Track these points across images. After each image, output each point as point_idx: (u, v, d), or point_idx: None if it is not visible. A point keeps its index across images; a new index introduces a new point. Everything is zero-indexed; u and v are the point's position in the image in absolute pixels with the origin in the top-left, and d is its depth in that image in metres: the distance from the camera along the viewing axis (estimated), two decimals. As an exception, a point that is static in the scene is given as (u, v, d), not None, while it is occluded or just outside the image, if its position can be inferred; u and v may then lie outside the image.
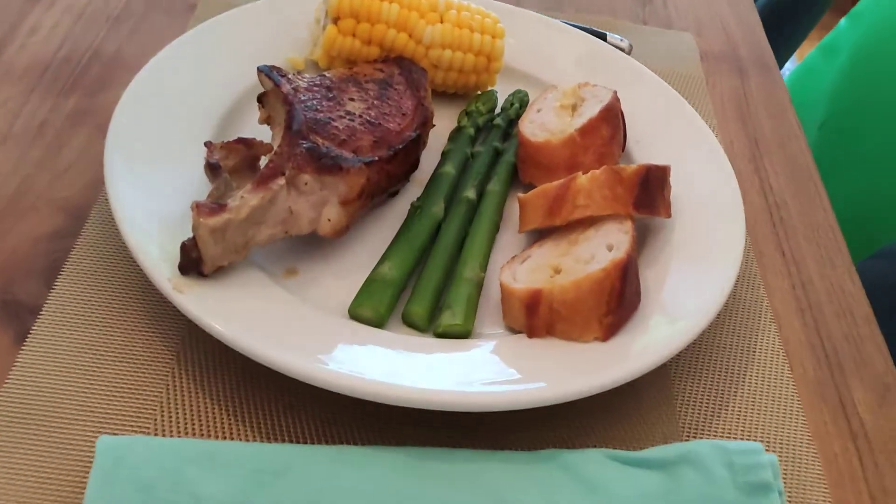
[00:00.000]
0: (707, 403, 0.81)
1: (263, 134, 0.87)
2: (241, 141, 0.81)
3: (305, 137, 0.82)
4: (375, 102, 0.90)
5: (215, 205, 0.74)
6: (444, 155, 0.95)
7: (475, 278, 0.81)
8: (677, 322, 0.79)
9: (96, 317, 0.78)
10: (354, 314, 0.78)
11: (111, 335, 0.77)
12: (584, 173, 0.85)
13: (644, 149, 1.01)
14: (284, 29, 1.06)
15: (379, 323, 0.77)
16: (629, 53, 1.22)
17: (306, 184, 0.80)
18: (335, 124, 0.85)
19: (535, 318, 0.77)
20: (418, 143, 0.90)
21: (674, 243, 0.88)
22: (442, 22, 1.00)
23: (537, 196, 0.85)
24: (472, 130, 0.97)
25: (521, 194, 0.88)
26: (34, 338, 0.75)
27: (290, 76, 0.89)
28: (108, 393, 0.73)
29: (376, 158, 0.84)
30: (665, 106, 1.05)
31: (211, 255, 0.74)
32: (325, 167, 0.80)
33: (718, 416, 0.80)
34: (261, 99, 0.89)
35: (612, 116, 0.94)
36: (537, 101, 1.00)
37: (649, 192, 0.85)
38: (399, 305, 0.80)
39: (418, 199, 0.89)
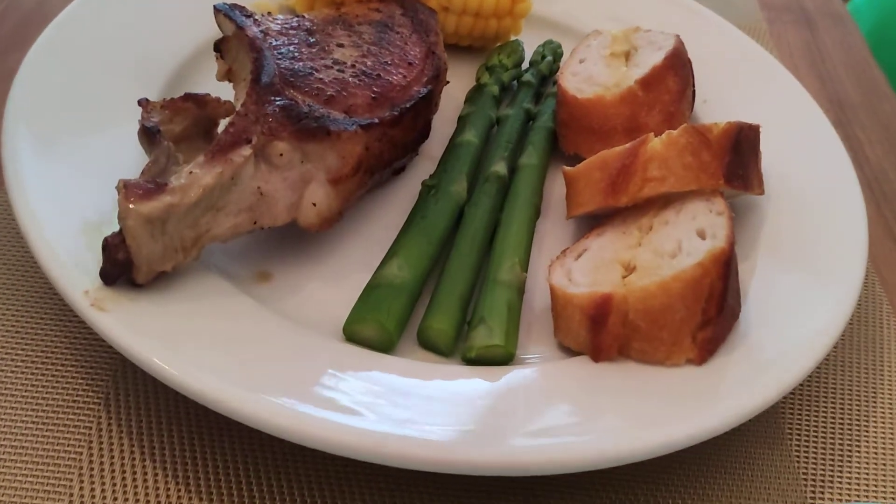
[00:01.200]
0: (829, 443, 0.59)
1: (224, 92, 0.65)
2: (189, 98, 0.59)
3: (279, 93, 0.60)
4: (372, 49, 0.68)
5: (151, 184, 0.52)
6: (462, 120, 0.73)
7: (515, 281, 0.60)
8: (790, 339, 0.58)
9: (-8, 346, 0.56)
10: (352, 333, 0.56)
11: (14, 377, 0.55)
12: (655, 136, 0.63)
13: (714, 108, 0.79)
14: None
15: (386, 344, 0.56)
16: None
17: (281, 154, 0.58)
18: (319, 76, 0.63)
19: (603, 334, 0.55)
20: (429, 101, 0.68)
21: (769, 230, 0.67)
22: (454, -51, 0.78)
23: (593, 168, 0.64)
24: (495, 89, 0.76)
25: (566, 167, 0.67)
26: None
27: (257, 17, 0.67)
28: (7, 459, 0.51)
29: (376, 121, 0.62)
30: (736, 54, 0.84)
31: (146, 256, 0.52)
32: (306, 131, 0.58)
33: (847, 461, 0.59)
34: (219, 47, 0.66)
35: (680, 65, 0.72)
36: (578, 49, 0.78)
37: (742, 159, 0.64)
38: (413, 318, 0.58)
39: (432, 176, 0.67)
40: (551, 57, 0.82)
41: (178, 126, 0.58)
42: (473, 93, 0.77)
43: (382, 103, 0.64)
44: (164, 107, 0.58)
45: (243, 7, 0.68)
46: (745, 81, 0.81)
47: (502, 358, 0.56)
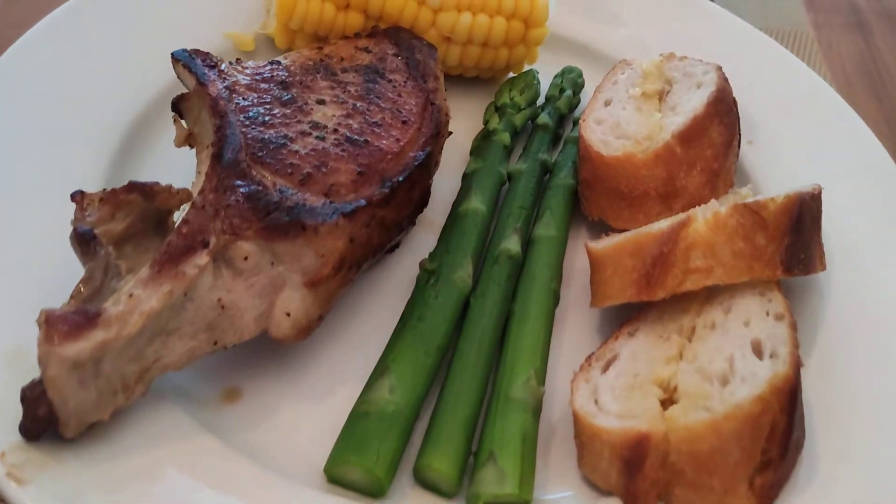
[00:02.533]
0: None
1: (183, 163, 0.54)
2: (134, 188, 0.49)
3: (245, 175, 0.49)
4: (359, 105, 0.57)
5: (80, 316, 0.42)
6: (468, 179, 0.63)
7: (531, 399, 0.50)
8: (871, 476, 0.47)
9: None
10: (335, 475, 0.46)
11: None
12: (695, 205, 0.53)
13: (762, 153, 0.68)
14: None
15: (376, 489, 0.46)
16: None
17: (246, 258, 0.48)
18: (294, 147, 0.52)
19: (638, 479, 0.45)
20: (428, 166, 0.57)
21: (834, 317, 0.56)
22: (456, -29, 0.66)
23: (624, 253, 0.53)
24: (506, 137, 0.65)
25: (592, 246, 0.56)
26: None
27: (224, 67, 0.57)
28: None
29: (363, 203, 0.51)
30: (786, 82, 0.72)
31: (74, 409, 0.42)
32: (276, 228, 0.48)
33: None
34: (178, 106, 0.56)
35: (725, 110, 0.61)
36: (603, 86, 0.67)
37: (804, 239, 0.53)
38: (410, 448, 0.48)
39: (432, 255, 0.57)
40: (571, 90, 0.70)
41: (120, 224, 0.48)
42: (481, 140, 0.66)
43: (371, 178, 0.53)
44: (105, 200, 0.48)
45: (207, 55, 0.57)
46: (797, 115, 0.70)
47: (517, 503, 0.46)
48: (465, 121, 0.69)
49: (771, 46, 0.76)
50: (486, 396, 0.51)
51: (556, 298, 0.57)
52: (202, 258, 0.46)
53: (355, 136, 0.54)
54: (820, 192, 0.56)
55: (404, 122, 0.57)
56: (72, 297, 0.45)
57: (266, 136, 0.52)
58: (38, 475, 0.41)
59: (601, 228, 0.60)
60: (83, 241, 0.46)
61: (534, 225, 0.60)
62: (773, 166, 0.67)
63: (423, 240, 0.60)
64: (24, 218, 0.54)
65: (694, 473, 0.45)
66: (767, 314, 0.50)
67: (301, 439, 0.49)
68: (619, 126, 0.61)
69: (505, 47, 0.69)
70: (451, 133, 0.62)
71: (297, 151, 0.52)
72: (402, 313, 0.54)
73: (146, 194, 0.49)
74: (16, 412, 0.43)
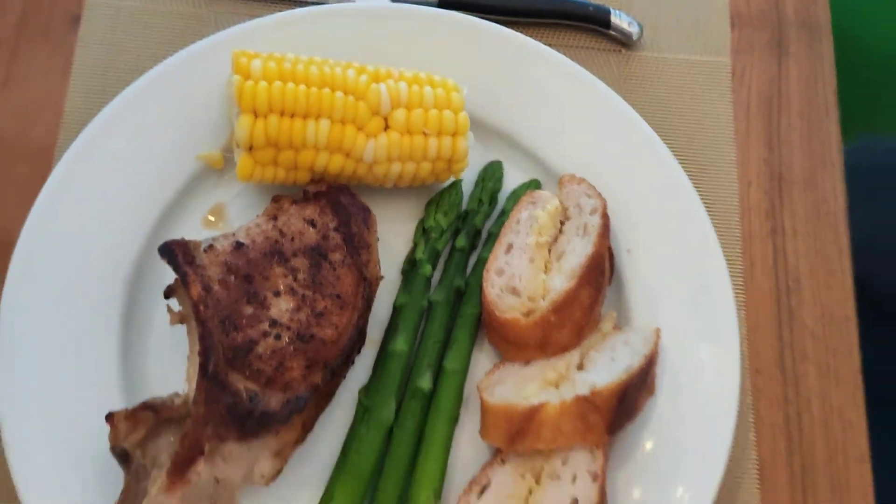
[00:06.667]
0: None
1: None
2: (146, 407, 0.69)
3: (224, 384, 0.70)
4: (306, 295, 0.74)
5: (128, 525, 0.66)
6: (396, 314, 0.81)
7: (428, 514, 0.75)
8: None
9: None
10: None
11: None
12: (566, 350, 0.76)
13: (638, 259, 0.84)
14: (194, 106, 0.83)
15: (329, 578, 0.74)
16: (637, 39, 0.96)
17: (231, 452, 0.70)
18: (258, 350, 0.71)
19: (492, 582, 0.73)
20: (362, 335, 0.76)
21: (650, 433, 0.79)
22: (387, 129, 0.78)
23: (498, 414, 0.75)
24: (428, 269, 0.81)
25: (483, 390, 0.77)
26: None
27: (197, 260, 0.73)
28: None
29: (310, 393, 0.72)
30: (664, 193, 0.85)
31: (136, 567, 0.68)
32: (250, 434, 0.69)
33: None
34: (169, 294, 0.74)
35: (597, 274, 0.78)
36: (508, 226, 0.81)
37: (627, 408, 0.74)
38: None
39: (366, 391, 0.78)
40: (487, 202, 0.85)
41: (140, 432, 0.69)
42: (409, 269, 0.83)
43: (315, 367, 0.73)
44: (127, 418, 0.69)
45: (185, 247, 0.73)
46: (669, 227, 0.85)
47: None
48: (404, 224, 0.85)
49: (657, 151, 0.86)
50: (402, 509, 0.77)
51: (455, 421, 0.78)
52: (201, 465, 0.68)
53: (304, 332, 0.73)
54: (653, 362, 0.76)
55: (341, 308, 0.75)
56: (118, 503, 0.68)
57: (237, 343, 0.71)
58: None
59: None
60: (119, 456, 0.68)
61: (444, 357, 0.80)
62: (647, 268, 0.84)
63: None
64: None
65: (524, 585, 0.72)
66: (588, 473, 0.73)
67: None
68: (512, 285, 0.78)
69: (431, 176, 0.82)
70: (382, 277, 0.79)
71: (260, 355, 0.71)
72: (343, 444, 0.77)
73: (155, 410, 0.70)
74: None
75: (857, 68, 1.33)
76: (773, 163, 0.96)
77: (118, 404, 0.72)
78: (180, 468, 0.68)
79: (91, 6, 0.92)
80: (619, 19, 0.95)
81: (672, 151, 0.87)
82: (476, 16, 0.90)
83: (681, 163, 0.87)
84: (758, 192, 0.94)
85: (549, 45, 0.89)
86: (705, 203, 0.87)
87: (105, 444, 0.68)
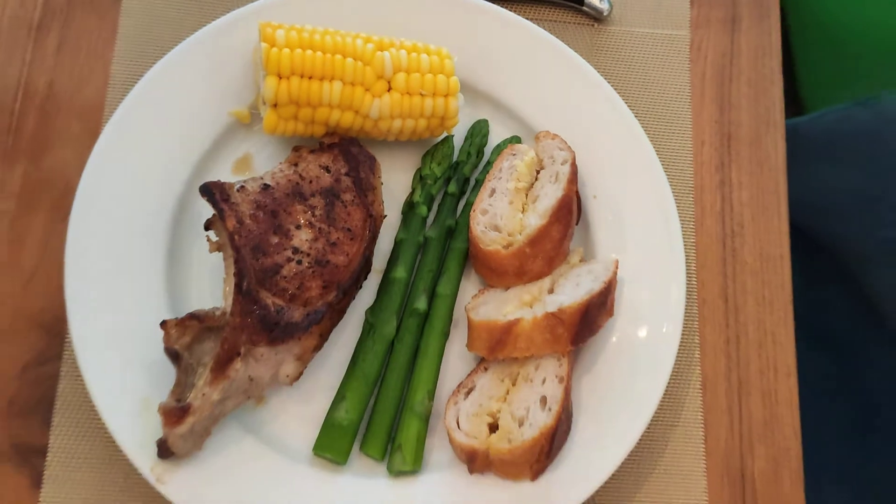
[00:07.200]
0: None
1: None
2: (192, 317, 0.84)
3: (256, 300, 0.84)
4: (322, 228, 0.89)
5: (180, 409, 0.82)
6: (397, 248, 0.96)
7: (423, 412, 0.90)
8: (605, 446, 0.89)
9: (96, 458, 0.90)
10: (318, 454, 0.89)
11: (114, 475, 0.89)
12: (539, 278, 0.91)
13: (603, 204, 0.99)
14: (225, 69, 0.97)
15: (341, 461, 0.89)
16: (608, 15, 1.10)
17: (262, 354, 0.85)
18: (283, 272, 0.86)
19: (473, 464, 0.88)
20: (368, 263, 0.91)
21: (611, 347, 0.94)
22: (390, 90, 0.92)
23: (481, 329, 0.90)
24: (424, 210, 0.96)
25: (470, 310, 0.92)
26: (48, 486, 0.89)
27: (232, 198, 0.87)
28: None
29: (326, 308, 0.87)
30: (625, 142, 1.00)
31: (183, 452, 0.83)
32: (278, 339, 0.84)
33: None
34: (208, 226, 0.89)
35: (566, 213, 0.93)
36: (492, 174, 0.96)
37: (589, 323, 0.89)
38: (357, 440, 0.91)
39: (371, 311, 0.93)
40: (475, 154, 1.00)
41: (188, 337, 0.84)
42: (407, 210, 0.97)
43: (330, 288, 0.88)
44: (178, 325, 0.84)
45: (221, 187, 0.88)
46: (629, 177, 0.99)
47: (412, 472, 0.90)
48: (401, 174, 1.00)
49: (621, 115, 1.00)
50: (402, 408, 0.92)
51: (446, 336, 0.94)
52: (238, 364, 0.83)
53: (321, 259, 0.88)
54: (612, 286, 0.91)
55: (352, 239, 0.90)
56: (171, 393, 0.83)
57: (266, 267, 0.86)
58: (171, 478, 0.84)
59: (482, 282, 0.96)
60: (172, 355, 0.83)
61: (437, 283, 0.95)
62: (611, 213, 0.99)
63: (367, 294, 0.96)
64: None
65: (500, 467, 0.87)
66: (556, 377, 0.88)
67: (299, 428, 0.91)
68: (495, 223, 0.93)
69: (427, 131, 0.97)
70: (385, 216, 0.94)
71: (285, 276, 0.86)
72: (353, 354, 0.92)
73: (199, 319, 0.85)
74: (154, 441, 0.84)
75: (814, 42, 1.47)
76: (723, 124, 1.10)
77: (168, 316, 0.87)
78: (221, 366, 0.83)
79: (132, -19, 1.05)
80: (592, -2, 1.10)
81: (635, 113, 1.02)
82: (467, -7, 1.04)
83: (643, 124, 1.02)
84: (709, 150, 1.09)
85: (530, 20, 1.03)
86: (664, 159, 1.02)
87: (159, 347, 0.83)
